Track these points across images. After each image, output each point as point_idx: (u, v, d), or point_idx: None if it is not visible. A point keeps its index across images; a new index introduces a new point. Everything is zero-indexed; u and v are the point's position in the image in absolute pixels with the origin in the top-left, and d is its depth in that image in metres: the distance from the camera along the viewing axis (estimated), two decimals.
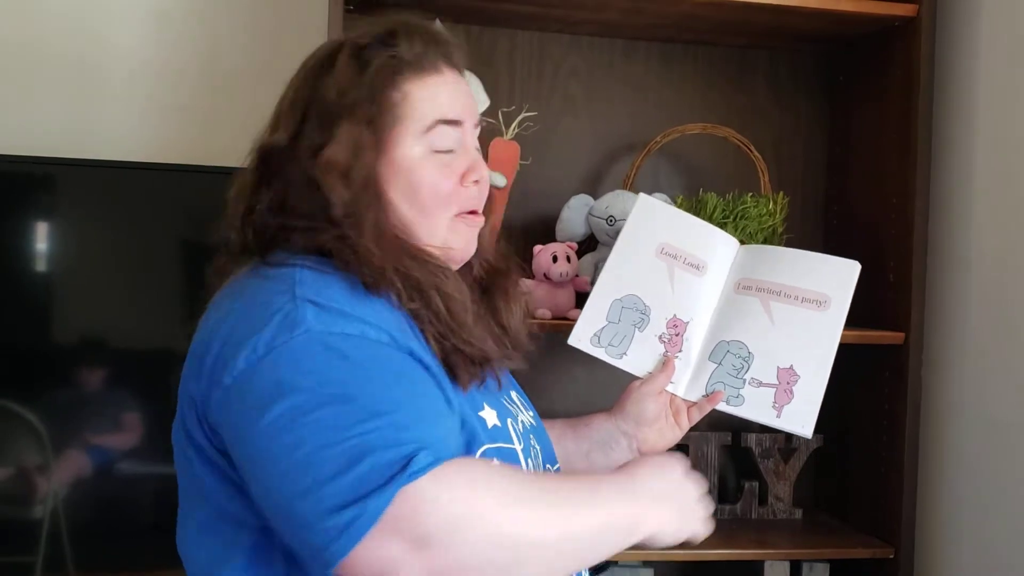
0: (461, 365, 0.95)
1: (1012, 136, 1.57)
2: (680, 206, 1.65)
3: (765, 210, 1.66)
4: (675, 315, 1.30)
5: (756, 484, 1.83)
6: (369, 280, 0.91)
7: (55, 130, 1.77)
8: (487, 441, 0.95)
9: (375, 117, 0.97)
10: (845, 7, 1.64)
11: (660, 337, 1.29)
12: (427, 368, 0.91)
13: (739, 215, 1.64)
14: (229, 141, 1.76)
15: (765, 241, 1.67)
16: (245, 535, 0.90)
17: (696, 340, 1.30)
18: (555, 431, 1.21)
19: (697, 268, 1.32)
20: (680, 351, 1.29)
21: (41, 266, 1.64)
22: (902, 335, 1.64)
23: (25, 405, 1.61)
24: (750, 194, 1.68)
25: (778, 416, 1.23)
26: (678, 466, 0.98)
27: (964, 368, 1.65)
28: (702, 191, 1.69)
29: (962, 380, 1.65)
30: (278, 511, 0.82)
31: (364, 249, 0.92)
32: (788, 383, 1.24)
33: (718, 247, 1.34)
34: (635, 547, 1.66)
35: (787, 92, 1.95)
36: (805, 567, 1.80)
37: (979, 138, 1.64)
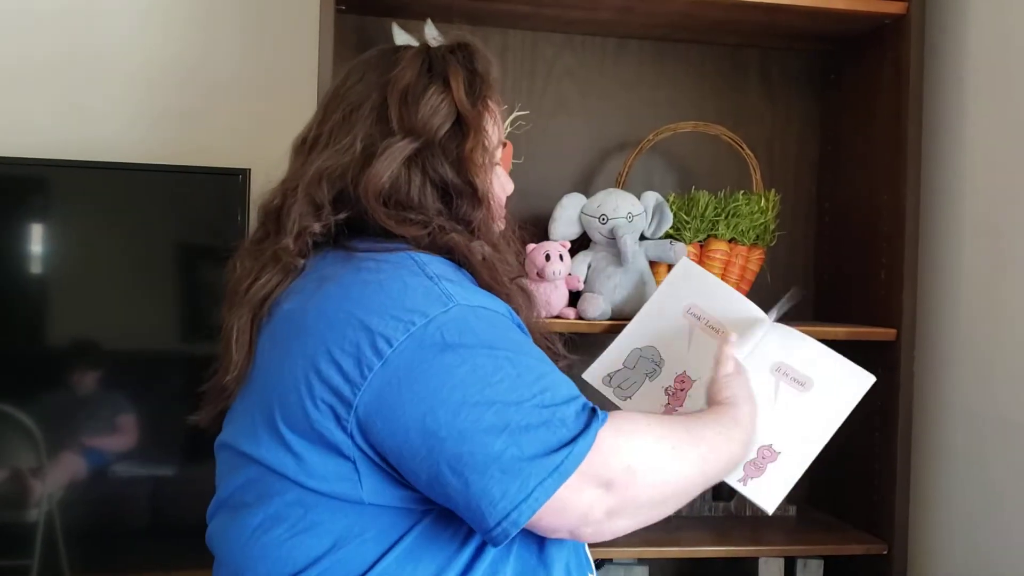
0: None
1: (1002, 133, 1.57)
2: (672, 204, 1.65)
3: (757, 208, 1.66)
4: (685, 371, 1.34)
5: None
6: (483, 280, 0.97)
7: (49, 132, 1.77)
8: None
9: (488, 128, 1.04)
10: (836, 5, 1.65)
11: (666, 390, 1.33)
12: None
13: (731, 213, 1.64)
14: (223, 142, 1.78)
15: (757, 238, 1.67)
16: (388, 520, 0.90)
17: (701, 399, 1.32)
18: None
19: (718, 332, 1.34)
20: (681, 405, 1.33)
21: (35, 268, 1.64)
22: (894, 331, 1.65)
23: (19, 407, 1.61)
24: (742, 192, 1.68)
25: (744, 484, 1.26)
26: (744, 378, 1.18)
27: (956, 364, 1.65)
28: (694, 189, 1.70)
29: (954, 376, 1.66)
30: (466, 470, 0.84)
31: (491, 256, 0.99)
32: (764, 459, 1.26)
33: (747, 320, 1.35)
34: (629, 545, 1.67)
35: (779, 90, 1.95)
36: (799, 564, 1.80)
37: (969, 135, 1.64)
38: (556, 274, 1.59)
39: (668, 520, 1.75)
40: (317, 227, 0.97)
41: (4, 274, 1.62)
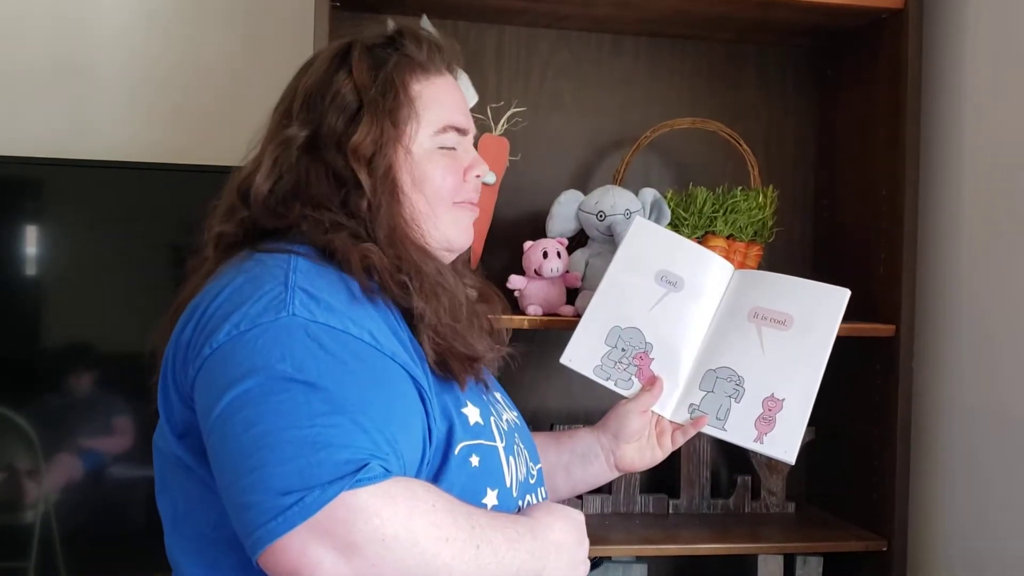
0: (457, 364, 0.97)
1: (1000, 128, 1.57)
2: (670, 201, 1.65)
3: (755, 204, 1.66)
4: (647, 347, 1.32)
5: (749, 478, 1.83)
6: (365, 285, 0.92)
7: (42, 130, 1.76)
8: (466, 438, 0.95)
9: (394, 111, 1.01)
10: (832, 0, 1.64)
11: (633, 360, 1.33)
12: (408, 372, 0.91)
13: (729, 209, 1.64)
14: (218, 139, 1.77)
15: (755, 234, 1.67)
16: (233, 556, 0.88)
17: (686, 364, 1.32)
18: (538, 442, 1.21)
19: (692, 293, 1.33)
20: (652, 386, 1.31)
21: (28, 269, 1.63)
22: (893, 327, 1.65)
23: (15, 410, 1.60)
24: (740, 188, 1.68)
25: (760, 443, 1.26)
26: (581, 522, 1.01)
27: (955, 360, 1.65)
28: (692, 185, 1.69)
29: (953, 372, 1.65)
30: (224, 488, 0.83)
31: (376, 245, 0.96)
32: (771, 411, 1.26)
33: (713, 271, 1.35)
34: (628, 543, 1.66)
35: (776, 86, 1.95)
36: (799, 561, 1.80)
37: (967, 130, 1.64)
38: (553, 271, 1.59)
39: (666, 517, 1.78)
40: (231, 229, 0.99)
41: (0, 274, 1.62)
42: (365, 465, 0.79)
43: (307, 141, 0.99)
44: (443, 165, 1.05)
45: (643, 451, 1.30)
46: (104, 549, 1.65)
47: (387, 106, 1.00)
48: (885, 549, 1.65)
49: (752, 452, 1.81)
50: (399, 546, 0.79)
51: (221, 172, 1.62)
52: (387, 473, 0.81)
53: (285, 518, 0.77)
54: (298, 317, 0.85)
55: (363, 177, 0.98)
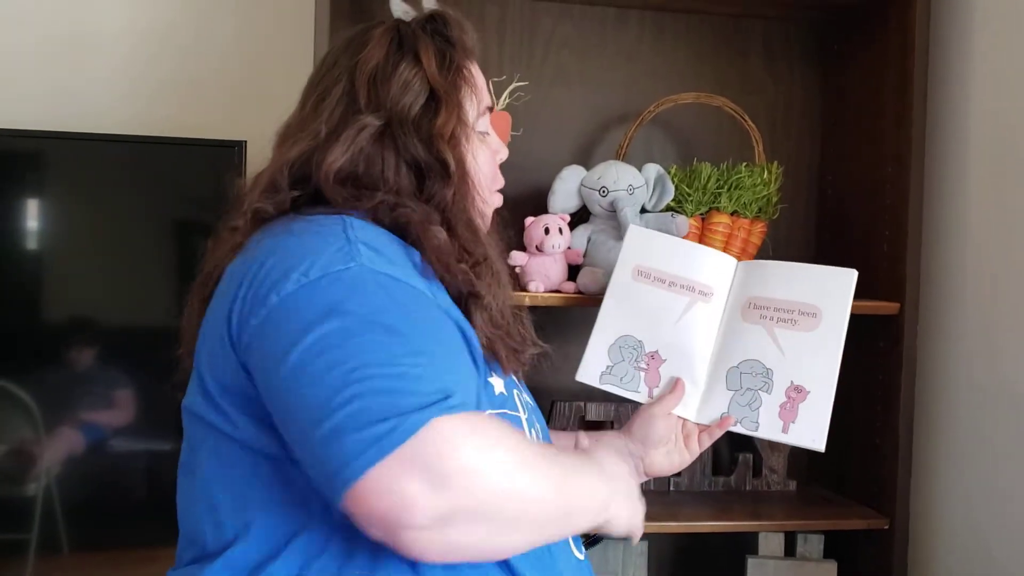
0: (505, 354, 1.00)
1: (1008, 104, 1.55)
2: (674, 176, 1.63)
3: (759, 180, 1.64)
4: (657, 350, 1.33)
5: (750, 456, 1.83)
6: (428, 262, 0.94)
7: (42, 104, 1.75)
8: (492, 407, 0.97)
9: (462, 98, 1.03)
10: None
11: (638, 366, 1.33)
12: (462, 331, 0.94)
13: (733, 185, 1.62)
14: (218, 113, 1.76)
15: (760, 211, 1.66)
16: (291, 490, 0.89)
17: (701, 364, 1.32)
18: (561, 442, 1.22)
19: (698, 294, 1.32)
20: (657, 387, 1.32)
21: (27, 242, 1.63)
22: (897, 305, 1.63)
23: (17, 383, 1.61)
24: (744, 164, 1.66)
25: (786, 433, 1.26)
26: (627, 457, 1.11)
27: (960, 338, 1.64)
28: (696, 161, 1.68)
29: (957, 350, 1.64)
30: (302, 434, 0.81)
31: (444, 230, 0.97)
32: (793, 400, 1.26)
33: (715, 268, 1.34)
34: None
35: (781, 61, 1.93)
36: (800, 538, 1.80)
37: (975, 106, 1.62)
38: (555, 247, 1.57)
39: (667, 495, 1.78)
40: (270, 207, 0.98)
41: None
42: (451, 395, 0.80)
43: (382, 128, 0.99)
44: (485, 152, 1.08)
45: (671, 455, 1.30)
46: (106, 521, 1.66)
47: (457, 93, 1.02)
48: (887, 527, 1.65)
49: None
50: (488, 472, 0.80)
51: (220, 146, 1.63)
52: (469, 405, 0.83)
53: (380, 446, 0.76)
54: (366, 267, 0.86)
55: (450, 164, 0.99)
